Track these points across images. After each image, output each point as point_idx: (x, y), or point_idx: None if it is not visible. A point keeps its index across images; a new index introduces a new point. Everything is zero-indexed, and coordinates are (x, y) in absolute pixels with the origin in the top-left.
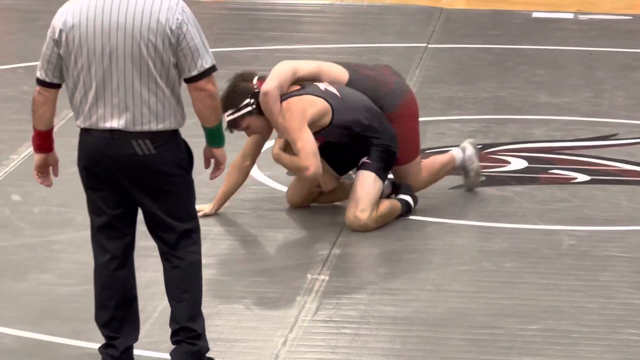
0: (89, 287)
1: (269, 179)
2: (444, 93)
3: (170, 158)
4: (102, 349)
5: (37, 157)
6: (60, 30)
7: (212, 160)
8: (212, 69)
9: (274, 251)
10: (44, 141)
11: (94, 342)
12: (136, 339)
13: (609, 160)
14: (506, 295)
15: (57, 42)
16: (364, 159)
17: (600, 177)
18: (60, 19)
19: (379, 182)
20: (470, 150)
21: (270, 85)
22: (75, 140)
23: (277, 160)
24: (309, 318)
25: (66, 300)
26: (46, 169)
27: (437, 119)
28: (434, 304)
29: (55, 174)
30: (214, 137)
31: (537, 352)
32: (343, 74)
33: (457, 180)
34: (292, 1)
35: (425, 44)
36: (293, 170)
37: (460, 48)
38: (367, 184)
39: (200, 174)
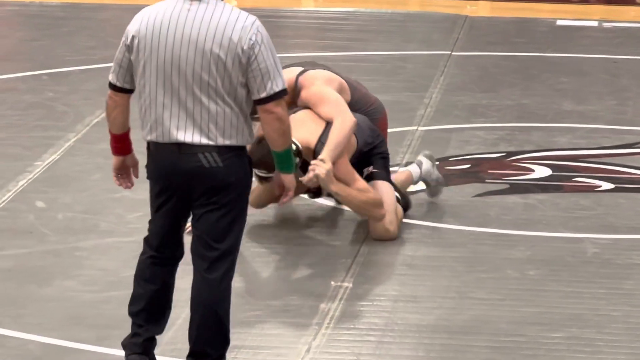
0: (113, 294)
1: None
2: (468, 101)
3: (236, 172)
4: (127, 340)
5: (115, 160)
6: (133, 37)
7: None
8: (283, 92)
9: (298, 259)
10: (120, 144)
11: (118, 349)
12: (159, 333)
13: (633, 168)
14: (530, 303)
15: (129, 48)
16: (370, 169)
17: (625, 185)
18: (135, 25)
19: (392, 189)
20: (426, 164)
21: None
22: (99, 147)
23: (339, 188)
24: (332, 325)
25: (90, 306)
26: (125, 171)
27: (461, 126)
28: (457, 311)
29: (136, 176)
30: (283, 162)
31: None
32: (348, 92)
33: (481, 188)
34: (316, 8)
35: (449, 52)
36: (361, 204)
37: (485, 56)
38: (386, 194)
39: None
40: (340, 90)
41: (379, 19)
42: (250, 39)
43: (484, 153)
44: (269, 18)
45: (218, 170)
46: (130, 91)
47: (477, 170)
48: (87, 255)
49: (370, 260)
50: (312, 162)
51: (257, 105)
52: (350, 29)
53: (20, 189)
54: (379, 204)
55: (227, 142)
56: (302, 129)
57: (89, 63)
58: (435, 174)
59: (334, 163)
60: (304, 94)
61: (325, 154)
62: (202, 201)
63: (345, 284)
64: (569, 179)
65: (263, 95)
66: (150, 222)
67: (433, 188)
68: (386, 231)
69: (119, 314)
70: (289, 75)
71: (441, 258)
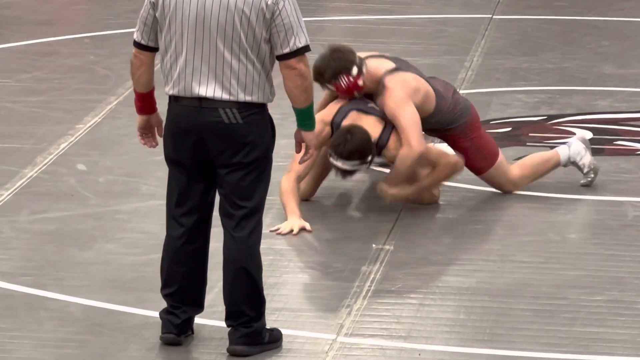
0: (154, 257)
1: None
2: (509, 64)
3: (256, 130)
4: (164, 314)
5: (140, 119)
6: None
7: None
8: (306, 48)
9: (339, 222)
10: (144, 103)
11: (158, 312)
12: (199, 312)
13: None
14: (571, 266)
15: (153, 5)
16: None
17: None
18: None
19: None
20: (576, 146)
21: (422, 144)
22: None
23: (414, 192)
24: (373, 288)
25: (131, 269)
26: (150, 130)
27: (502, 89)
28: (498, 274)
29: (160, 135)
30: (304, 120)
31: (601, 322)
32: (433, 101)
33: (522, 151)
34: None
35: (490, 15)
36: (442, 176)
37: (525, 19)
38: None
39: None
40: (424, 102)
41: None
42: None
43: (525, 116)
44: None
45: (238, 127)
46: (154, 49)
47: (518, 134)
48: (128, 218)
49: (411, 223)
50: (378, 187)
51: (279, 61)
52: None
53: (62, 152)
54: (455, 163)
55: (248, 99)
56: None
57: (129, 27)
58: (588, 157)
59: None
60: (385, 98)
61: (387, 184)
62: (224, 160)
63: (387, 247)
64: (610, 142)
65: (286, 50)
66: (167, 185)
67: (585, 176)
68: (432, 197)
69: (160, 277)
70: (377, 67)
71: (482, 221)
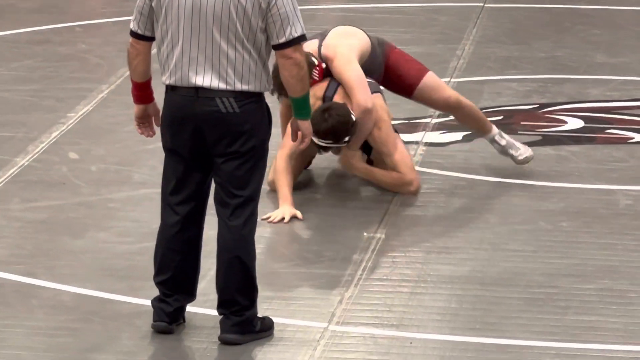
0: (146, 245)
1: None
2: (501, 53)
3: (253, 119)
4: (155, 302)
5: (137, 108)
6: None
7: (299, 133)
8: (302, 38)
9: (330, 211)
10: (141, 92)
11: (150, 300)
12: (191, 301)
13: None
14: (563, 254)
15: None
16: None
17: None
18: None
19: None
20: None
21: (369, 100)
22: (131, 99)
23: (363, 173)
24: (365, 276)
25: (123, 258)
26: (147, 120)
27: (494, 78)
28: (490, 263)
29: (157, 124)
30: (300, 108)
31: (593, 311)
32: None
33: (514, 139)
34: None
35: (482, 4)
36: (389, 185)
37: (517, 8)
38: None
39: None
40: (362, 55)
41: None
42: None
43: (517, 105)
44: None
45: (234, 116)
46: (151, 39)
47: (509, 122)
48: (120, 206)
49: (402, 211)
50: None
51: (275, 50)
52: None
53: (54, 140)
54: (407, 182)
55: (245, 88)
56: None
57: (121, 15)
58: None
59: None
60: (334, 68)
61: (349, 148)
62: (220, 149)
63: (378, 235)
64: (602, 130)
65: (282, 40)
66: (163, 173)
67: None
68: (410, 193)
69: (152, 265)
70: (311, 48)
71: (474, 210)
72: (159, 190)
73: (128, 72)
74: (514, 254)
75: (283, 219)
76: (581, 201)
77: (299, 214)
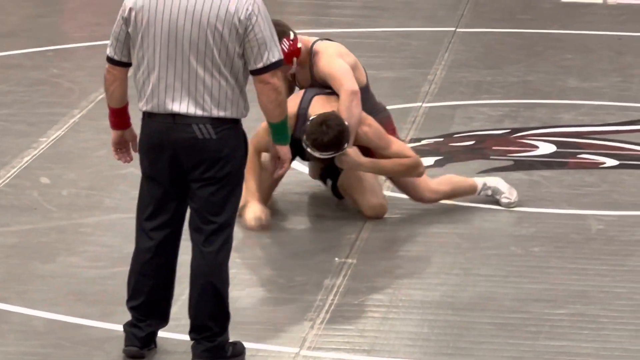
0: (117, 270)
1: (296, 162)
2: (473, 77)
3: (229, 145)
4: (127, 327)
5: (114, 134)
6: (130, 9)
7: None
8: (279, 63)
9: (302, 235)
10: (118, 118)
11: (122, 326)
12: (164, 326)
13: (637, 145)
14: (534, 279)
15: (126, 21)
16: None
17: (629, 161)
18: None
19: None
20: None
21: (355, 84)
22: (104, 124)
23: (370, 167)
24: (336, 302)
25: (94, 282)
26: (124, 145)
27: (466, 103)
28: (462, 288)
29: (135, 150)
30: (278, 134)
31: (564, 336)
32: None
33: (485, 164)
34: None
35: (454, 28)
36: (401, 172)
37: (489, 32)
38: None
39: None
40: (355, 68)
41: None
42: (247, 9)
43: (489, 130)
44: None
45: (211, 142)
46: (127, 65)
47: (481, 147)
48: (91, 231)
49: (374, 236)
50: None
51: (253, 75)
52: (354, 6)
53: (25, 165)
54: (418, 164)
55: (222, 114)
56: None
57: (93, 39)
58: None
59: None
60: (318, 60)
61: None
62: (197, 175)
63: (350, 260)
64: (574, 155)
65: (259, 65)
66: (139, 198)
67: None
68: (382, 206)
69: (123, 290)
70: (307, 39)
71: (445, 234)
72: (131, 215)
73: (100, 97)
74: (486, 279)
75: (259, 219)
76: (553, 226)
77: (267, 213)
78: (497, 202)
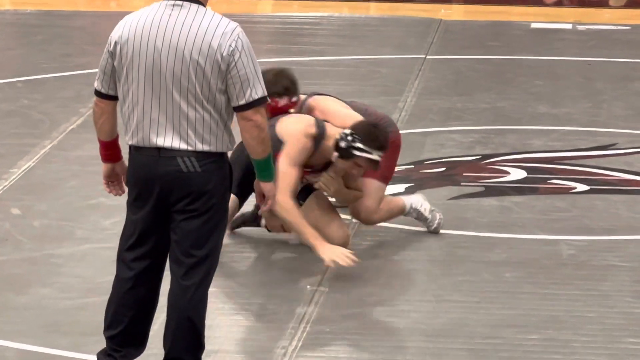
0: (90, 301)
1: None
2: (443, 104)
3: (214, 178)
4: (102, 356)
5: (105, 167)
6: (116, 43)
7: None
8: (262, 100)
9: (273, 263)
10: (109, 151)
11: (95, 355)
12: (141, 352)
13: (608, 170)
14: (506, 305)
15: (111, 54)
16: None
17: (600, 186)
18: (118, 31)
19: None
20: (415, 197)
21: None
22: (75, 154)
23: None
24: (308, 329)
25: (67, 313)
26: (115, 178)
27: (436, 130)
28: (434, 314)
29: (126, 183)
30: (262, 170)
31: None
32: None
33: (456, 191)
34: (290, 13)
35: (423, 56)
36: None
37: (459, 59)
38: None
39: None
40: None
41: (353, 24)
42: (230, 46)
43: (459, 156)
44: (242, 24)
45: (196, 176)
46: (115, 98)
47: (452, 173)
48: (63, 262)
49: None
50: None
51: (236, 112)
52: (324, 34)
53: None
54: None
55: (207, 148)
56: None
57: (63, 70)
58: (427, 205)
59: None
60: (316, 109)
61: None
62: (180, 207)
63: (321, 288)
64: (544, 181)
65: (242, 102)
66: (123, 228)
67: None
68: (348, 237)
69: (96, 320)
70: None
71: (417, 261)
72: (102, 245)
73: (70, 127)
74: (458, 305)
75: (344, 257)
76: (524, 252)
77: (342, 248)
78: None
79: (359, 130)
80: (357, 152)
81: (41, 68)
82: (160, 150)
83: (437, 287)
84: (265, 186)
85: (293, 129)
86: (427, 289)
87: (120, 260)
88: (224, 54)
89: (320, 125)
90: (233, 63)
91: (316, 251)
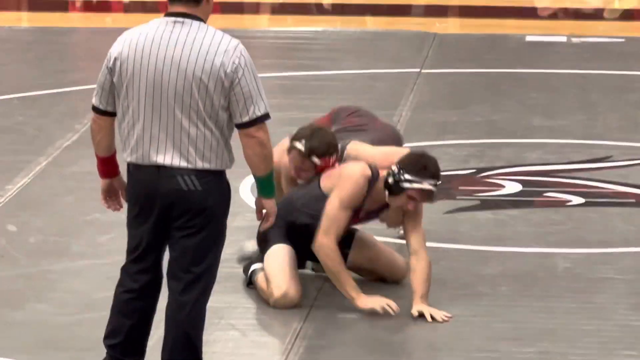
0: (86, 316)
1: None
2: (438, 118)
3: (214, 196)
4: None
5: (103, 183)
6: (115, 59)
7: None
8: (265, 117)
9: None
10: (106, 167)
11: None
12: None
13: (603, 183)
14: (502, 318)
15: (111, 70)
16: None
17: (595, 199)
18: (117, 47)
19: None
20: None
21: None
22: (70, 170)
23: None
24: (305, 344)
25: (63, 329)
26: (114, 193)
27: (431, 143)
28: (431, 328)
29: (124, 198)
30: (264, 187)
31: None
32: None
33: (452, 204)
34: (285, 28)
35: (418, 69)
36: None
37: (454, 73)
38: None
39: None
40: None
41: (348, 38)
42: (234, 63)
43: (455, 170)
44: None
45: (196, 193)
46: (113, 114)
47: (447, 187)
48: (59, 278)
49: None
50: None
51: (238, 129)
52: (319, 49)
53: None
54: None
55: (207, 166)
56: None
57: (59, 86)
58: None
59: None
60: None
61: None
62: (180, 224)
63: (316, 302)
64: (540, 194)
65: (245, 119)
66: (127, 242)
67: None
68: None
69: (92, 336)
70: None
71: None
72: (98, 261)
73: (66, 144)
74: (454, 318)
75: (386, 307)
76: (520, 265)
77: (381, 299)
78: None
79: (405, 163)
80: (406, 185)
81: (36, 84)
82: (160, 168)
83: (433, 301)
84: (267, 203)
85: (352, 170)
86: None
87: (125, 271)
88: (228, 70)
89: (372, 167)
90: (237, 80)
91: (355, 303)
